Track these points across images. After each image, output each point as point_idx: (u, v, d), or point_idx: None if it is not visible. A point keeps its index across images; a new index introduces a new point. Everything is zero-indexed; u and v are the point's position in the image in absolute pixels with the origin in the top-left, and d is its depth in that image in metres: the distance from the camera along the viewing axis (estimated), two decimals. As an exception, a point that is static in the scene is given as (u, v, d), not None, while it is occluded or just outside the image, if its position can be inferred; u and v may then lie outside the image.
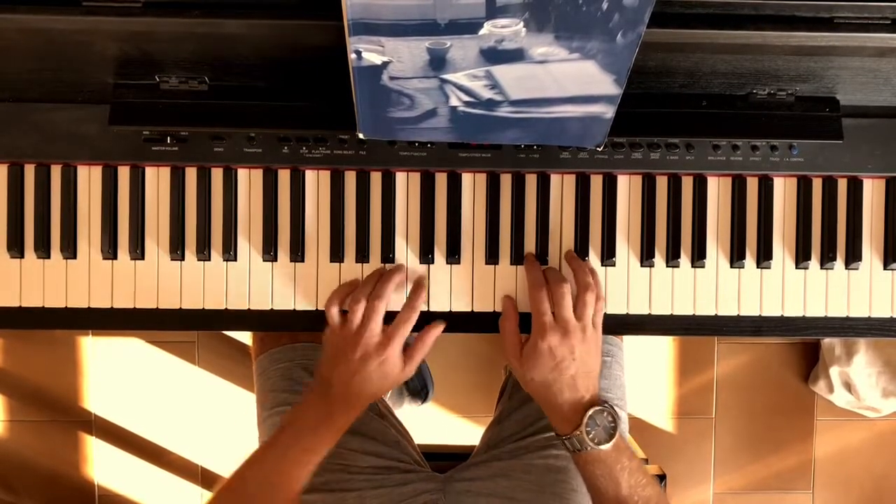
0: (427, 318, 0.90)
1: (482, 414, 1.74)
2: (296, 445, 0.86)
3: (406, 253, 0.90)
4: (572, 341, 0.84)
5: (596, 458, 0.84)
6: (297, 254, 0.89)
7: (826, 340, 1.71)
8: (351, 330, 0.85)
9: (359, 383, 0.86)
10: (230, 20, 0.71)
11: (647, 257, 0.91)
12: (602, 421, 0.83)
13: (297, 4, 0.70)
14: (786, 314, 0.92)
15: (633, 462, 0.85)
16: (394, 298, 0.88)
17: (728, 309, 0.92)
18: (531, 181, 0.91)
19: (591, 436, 0.83)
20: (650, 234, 0.91)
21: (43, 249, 0.89)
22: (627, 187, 0.91)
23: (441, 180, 0.90)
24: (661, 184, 0.91)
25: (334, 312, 0.87)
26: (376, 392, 0.87)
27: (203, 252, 0.89)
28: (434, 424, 1.75)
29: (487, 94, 0.75)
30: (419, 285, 0.90)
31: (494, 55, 0.70)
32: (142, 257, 0.90)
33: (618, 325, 0.92)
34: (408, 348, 0.88)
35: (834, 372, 1.69)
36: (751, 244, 0.92)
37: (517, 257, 0.90)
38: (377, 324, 0.85)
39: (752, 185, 0.92)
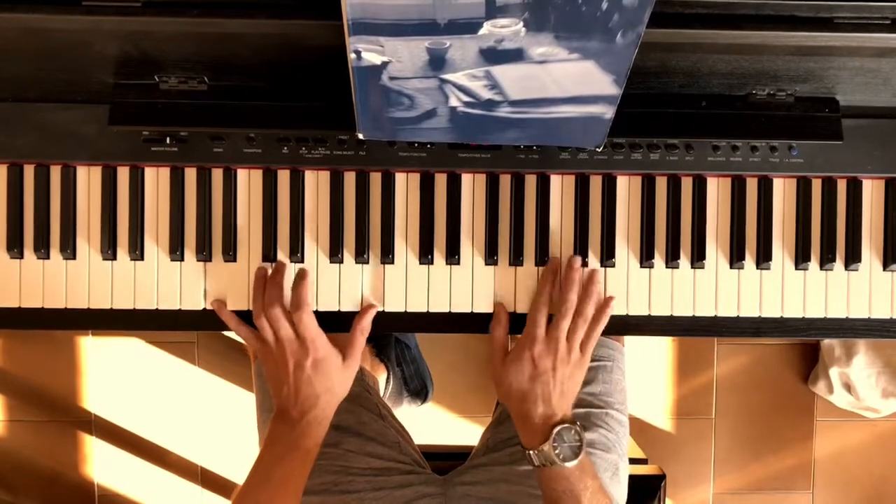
0: (424, 319, 0.91)
1: (482, 414, 1.74)
2: (269, 480, 0.85)
3: (405, 253, 0.90)
4: (556, 358, 0.85)
5: (560, 475, 0.85)
6: (297, 254, 0.89)
7: (826, 341, 1.70)
8: (270, 346, 0.86)
9: (307, 396, 0.85)
10: (230, 20, 0.72)
11: (646, 258, 0.91)
12: (569, 438, 0.84)
13: (297, 4, 0.71)
14: (785, 315, 0.92)
15: (596, 482, 0.86)
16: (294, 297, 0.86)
17: (728, 310, 0.92)
18: (531, 182, 0.90)
19: (556, 451, 0.84)
20: (650, 235, 0.91)
21: (42, 250, 0.88)
22: (627, 188, 0.91)
23: (441, 181, 0.90)
24: (661, 184, 0.91)
25: (249, 338, 0.88)
26: (330, 398, 0.87)
27: (203, 252, 0.89)
28: (434, 424, 1.75)
29: (487, 94, 0.75)
30: (300, 277, 0.88)
31: (494, 55, 0.70)
32: (141, 258, 0.89)
33: (617, 326, 0.92)
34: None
35: (833, 373, 1.68)
36: (750, 245, 0.92)
37: (516, 258, 0.90)
38: (287, 329, 0.85)
39: (752, 186, 0.91)
